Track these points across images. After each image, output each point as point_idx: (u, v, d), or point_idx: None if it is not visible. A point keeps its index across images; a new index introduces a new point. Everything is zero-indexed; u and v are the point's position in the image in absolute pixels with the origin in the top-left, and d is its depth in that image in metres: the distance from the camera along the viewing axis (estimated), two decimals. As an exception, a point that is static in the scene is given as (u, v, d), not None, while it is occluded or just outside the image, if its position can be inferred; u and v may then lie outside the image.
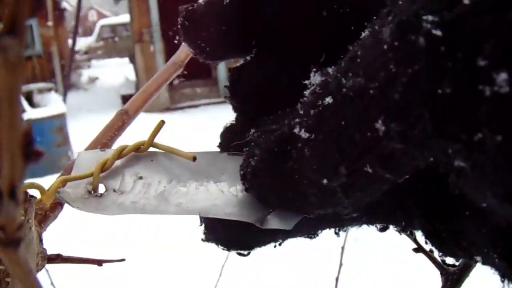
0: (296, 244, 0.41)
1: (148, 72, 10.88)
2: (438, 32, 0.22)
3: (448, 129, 0.23)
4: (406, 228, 0.35)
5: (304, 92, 0.32)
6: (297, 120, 0.31)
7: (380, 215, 0.35)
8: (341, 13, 0.35)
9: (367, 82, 0.25)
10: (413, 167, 0.26)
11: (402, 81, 0.23)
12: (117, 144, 0.45)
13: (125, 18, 19.17)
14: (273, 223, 0.36)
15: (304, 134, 0.30)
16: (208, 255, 2.80)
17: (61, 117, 7.32)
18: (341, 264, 1.07)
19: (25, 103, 7.38)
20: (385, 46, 0.24)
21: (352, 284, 2.78)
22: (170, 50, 10.54)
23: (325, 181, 0.29)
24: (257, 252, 0.39)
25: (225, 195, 0.40)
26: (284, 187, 0.33)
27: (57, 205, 0.45)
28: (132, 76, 13.86)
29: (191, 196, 0.40)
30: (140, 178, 0.41)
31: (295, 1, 0.36)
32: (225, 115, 0.42)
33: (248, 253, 0.39)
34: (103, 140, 0.49)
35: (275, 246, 0.39)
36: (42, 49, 16.06)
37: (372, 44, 0.26)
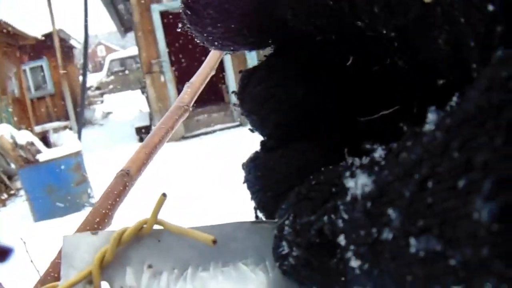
0: None
1: (161, 102, 10.97)
2: None
3: None
4: None
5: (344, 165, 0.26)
6: (340, 224, 0.25)
7: None
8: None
9: (445, 249, 0.18)
10: None
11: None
12: (121, 212, 0.38)
13: (133, 50, 19.45)
14: None
15: (353, 261, 0.24)
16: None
17: (78, 155, 7.33)
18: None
19: (40, 144, 7.41)
20: (476, 215, 0.17)
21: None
22: (181, 78, 10.61)
23: None
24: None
25: (255, 275, 0.34)
26: (329, 281, 0.27)
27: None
28: (145, 108, 13.92)
29: (215, 284, 0.33)
30: (149, 266, 0.34)
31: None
32: (240, 138, 0.35)
33: None
34: (103, 210, 0.42)
35: None
36: (54, 89, 16.28)
37: (450, 182, 0.18)
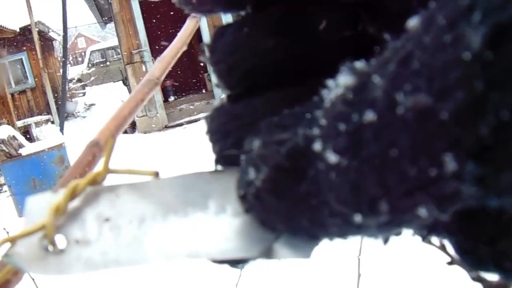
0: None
1: (143, 92, 10.87)
2: None
3: None
4: (428, 236, 0.29)
5: (324, 89, 0.25)
6: (316, 132, 0.24)
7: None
8: None
9: (436, 102, 0.18)
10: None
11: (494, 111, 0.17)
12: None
13: (114, 41, 19.31)
14: (283, 252, 0.29)
15: (331, 156, 0.22)
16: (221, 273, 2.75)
17: (61, 147, 7.28)
18: (359, 275, 1.01)
19: (22, 138, 7.35)
20: (467, 54, 0.17)
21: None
22: (162, 68, 10.53)
23: (357, 217, 0.22)
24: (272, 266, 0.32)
25: (215, 224, 0.32)
26: (296, 213, 0.26)
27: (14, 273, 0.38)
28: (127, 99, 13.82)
29: (174, 233, 0.32)
30: (107, 220, 0.33)
31: None
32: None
33: (243, 266, 0.32)
34: (72, 180, 0.42)
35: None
36: (34, 82, 16.12)
37: (437, 43, 0.18)
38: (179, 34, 0.66)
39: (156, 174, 0.33)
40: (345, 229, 0.24)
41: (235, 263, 0.32)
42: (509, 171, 0.17)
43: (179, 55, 0.64)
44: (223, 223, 0.32)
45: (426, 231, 0.28)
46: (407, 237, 0.31)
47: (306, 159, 0.25)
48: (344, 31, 0.32)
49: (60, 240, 0.33)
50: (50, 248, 0.33)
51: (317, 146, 0.23)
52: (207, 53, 0.34)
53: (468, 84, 0.17)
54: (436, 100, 0.18)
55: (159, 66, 0.58)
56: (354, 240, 0.31)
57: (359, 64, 0.23)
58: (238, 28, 0.33)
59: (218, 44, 0.34)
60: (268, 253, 0.30)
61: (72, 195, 0.33)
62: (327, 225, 0.25)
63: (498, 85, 0.16)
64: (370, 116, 0.21)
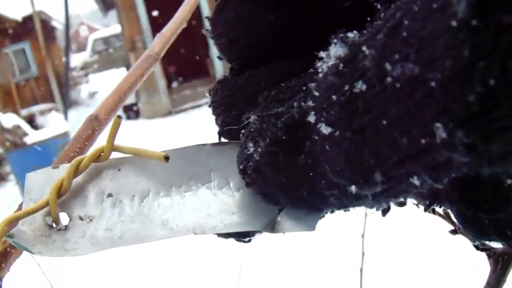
0: (313, 236, 0.33)
1: (146, 78, 10.88)
2: None
3: None
4: (431, 206, 0.29)
5: (318, 64, 0.25)
6: (310, 103, 0.24)
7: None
8: None
9: (423, 71, 0.18)
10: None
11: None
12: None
13: (116, 28, 19.28)
14: (288, 225, 0.29)
15: (324, 128, 0.23)
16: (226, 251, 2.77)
17: (65, 135, 7.30)
18: (363, 254, 1.00)
19: (27, 126, 7.36)
20: (454, 22, 0.17)
21: (378, 274, 2.67)
22: (164, 53, 10.52)
23: (353, 188, 0.23)
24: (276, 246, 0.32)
25: (219, 198, 0.32)
26: (296, 184, 0.27)
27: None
28: (130, 85, 13.80)
29: (178, 208, 0.32)
30: (109, 195, 0.33)
31: None
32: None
33: (249, 240, 0.33)
34: (71, 154, 0.42)
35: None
36: (37, 71, 16.13)
37: (425, 12, 0.18)
38: (179, 10, 0.65)
39: (166, 158, 0.32)
40: (344, 200, 0.25)
41: (241, 237, 0.32)
42: (499, 139, 0.17)
43: (179, 31, 0.64)
44: (227, 197, 0.32)
45: (428, 201, 0.28)
46: (411, 216, 0.31)
47: (302, 131, 0.25)
48: (344, 1, 0.32)
49: (63, 217, 0.33)
50: (54, 225, 0.32)
51: (311, 117, 0.24)
52: (208, 27, 0.35)
53: (455, 53, 0.17)
54: (424, 69, 0.18)
55: (158, 42, 0.58)
56: (357, 219, 0.31)
57: (351, 35, 0.24)
58: (239, 2, 0.33)
59: (220, 17, 0.34)
60: (272, 226, 0.30)
61: (76, 172, 0.33)
62: (326, 196, 0.25)
63: (485, 54, 0.16)
64: (360, 86, 0.21)
